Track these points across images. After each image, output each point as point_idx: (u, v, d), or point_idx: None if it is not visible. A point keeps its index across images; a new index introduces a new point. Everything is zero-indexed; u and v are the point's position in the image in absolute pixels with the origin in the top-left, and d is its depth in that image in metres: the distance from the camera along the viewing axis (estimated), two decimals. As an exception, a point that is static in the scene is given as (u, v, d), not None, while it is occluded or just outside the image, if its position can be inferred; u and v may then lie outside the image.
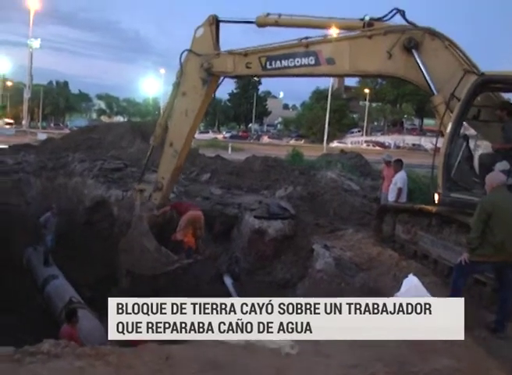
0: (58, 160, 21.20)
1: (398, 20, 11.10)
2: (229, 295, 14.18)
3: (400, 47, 10.78)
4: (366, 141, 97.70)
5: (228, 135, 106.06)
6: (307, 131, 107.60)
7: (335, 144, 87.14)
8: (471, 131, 12.20)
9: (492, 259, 7.66)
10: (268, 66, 12.27)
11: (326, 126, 71.78)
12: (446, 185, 10.07)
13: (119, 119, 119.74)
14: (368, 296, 9.35)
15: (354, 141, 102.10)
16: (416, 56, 10.62)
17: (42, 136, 43.28)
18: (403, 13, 10.96)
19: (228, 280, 14.70)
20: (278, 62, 12.18)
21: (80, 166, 20.00)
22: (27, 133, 60.18)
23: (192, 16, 14.00)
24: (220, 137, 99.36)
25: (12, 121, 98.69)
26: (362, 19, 11.59)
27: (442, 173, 10.15)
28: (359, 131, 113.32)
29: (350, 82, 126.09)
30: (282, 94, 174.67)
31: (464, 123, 11.09)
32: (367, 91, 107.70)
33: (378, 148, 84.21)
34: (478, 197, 8.76)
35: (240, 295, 13.98)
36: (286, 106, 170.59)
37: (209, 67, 12.83)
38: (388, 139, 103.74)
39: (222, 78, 13.46)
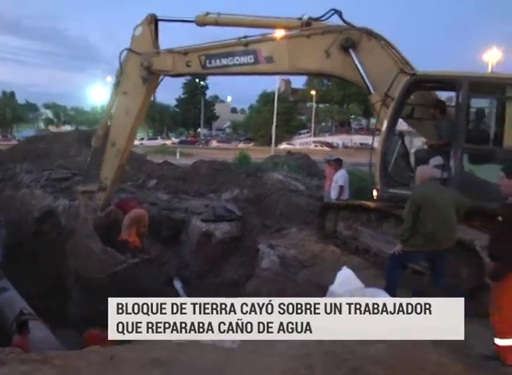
0: (6, 172, 20.94)
1: (336, 20, 11.39)
2: (179, 299, 14.33)
3: (337, 46, 11.05)
4: (314, 142, 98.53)
5: (177, 141, 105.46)
6: (255, 134, 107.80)
7: (283, 145, 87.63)
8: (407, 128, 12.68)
9: (422, 249, 8.05)
10: (208, 65, 12.38)
11: (273, 128, 72.19)
12: (384, 181, 10.46)
13: (67, 128, 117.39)
14: (311, 291, 9.68)
15: (303, 142, 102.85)
16: (353, 55, 10.92)
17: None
18: (340, 14, 11.23)
19: (178, 284, 14.78)
20: (217, 60, 12.31)
21: (27, 177, 19.78)
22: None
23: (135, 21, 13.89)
24: (169, 142, 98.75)
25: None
26: (300, 19, 11.73)
27: (379, 170, 10.54)
28: (307, 132, 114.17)
29: (297, 84, 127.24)
30: (229, 99, 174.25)
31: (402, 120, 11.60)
32: (313, 92, 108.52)
33: (326, 148, 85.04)
34: (415, 191, 9.12)
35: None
36: (234, 110, 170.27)
37: (149, 66, 12.90)
38: (336, 139, 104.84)
39: (161, 77, 13.49)
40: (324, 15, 11.42)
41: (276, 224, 15.51)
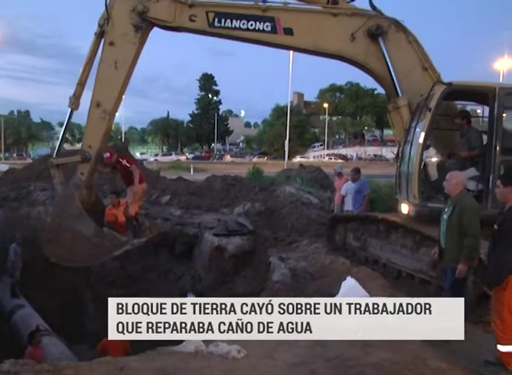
0: (21, 190, 21.22)
1: (361, 3, 11.27)
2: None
3: (364, 32, 10.84)
4: (328, 155, 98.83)
5: (191, 156, 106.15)
6: (269, 148, 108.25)
7: (297, 159, 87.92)
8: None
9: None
10: (216, 24, 11.21)
11: (287, 142, 72.34)
12: (423, 195, 9.97)
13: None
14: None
15: (317, 155, 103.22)
16: (382, 44, 10.79)
17: (4, 167, 42.54)
18: None
19: (191, 298, 14.92)
20: (228, 20, 11.19)
21: (42, 195, 20.02)
22: (-12, 166, 59.49)
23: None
24: (183, 158, 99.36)
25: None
26: None
27: (416, 183, 10.00)
28: (321, 145, 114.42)
29: (310, 97, 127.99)
30: (243, 113, 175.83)
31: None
32: (326, 105, 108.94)
33: (340, 160, 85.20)
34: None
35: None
36: (247, 124, 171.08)
37: (144, 11, 11.30)
38: (350, 151, 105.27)
39: (152, 28, 11.83)
40: None
41: (288, 237, 15.61)
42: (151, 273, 16.18)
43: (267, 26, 11.10)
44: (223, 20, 11.19)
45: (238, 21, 11.15)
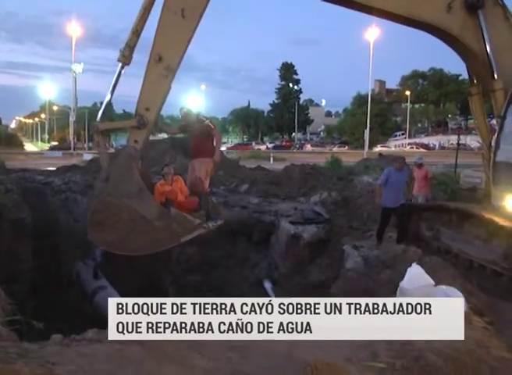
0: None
1: None
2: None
3: (461, 2, 10.16)
4: (409, 144, 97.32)
5: (271, 146, 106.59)
6: (349, 137, 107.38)
7: (378, 148, 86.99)
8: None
9: None
10: None
11: (367, 131, 71.71)
12: None
13: (164, 136, 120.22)
14: (392, 290, 9.96)
15: (398, 144, 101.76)
16: (481, 17, 10.08)
17: (88, 157, 44.36)
18: None
19: (267, 285, 15.28)
20: None
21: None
22: (74, 155, 61.86)
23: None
24: (263, 148, 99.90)
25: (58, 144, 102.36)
26: None
27: None
28: (402, 134, 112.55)
29: (391, 85, 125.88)
30: (324, 102, 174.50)
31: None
32: (408, 93, 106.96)
33: (422, 149, 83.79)
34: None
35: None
36: (328, 113, 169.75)
37: None
38: (432, 140, 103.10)
39: None
40: None
41: (363, 226, 15.76)
42: (228, 259, 16.65)
43: None
44: None
45: None
